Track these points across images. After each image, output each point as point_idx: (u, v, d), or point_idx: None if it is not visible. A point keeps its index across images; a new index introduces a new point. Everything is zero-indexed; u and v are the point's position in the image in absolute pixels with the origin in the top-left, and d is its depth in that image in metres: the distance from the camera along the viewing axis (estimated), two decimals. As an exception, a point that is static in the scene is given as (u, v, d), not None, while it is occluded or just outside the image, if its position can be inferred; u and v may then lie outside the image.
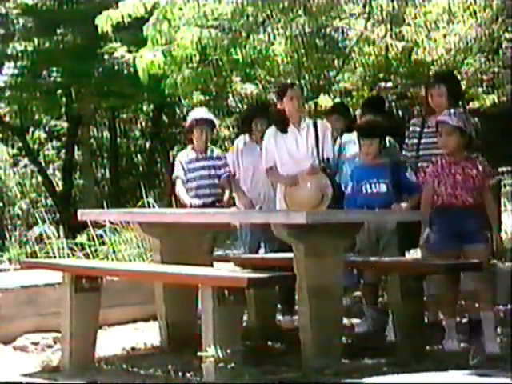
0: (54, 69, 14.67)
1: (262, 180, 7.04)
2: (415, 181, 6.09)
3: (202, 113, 7.30)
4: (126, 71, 13.55)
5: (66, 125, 17.44)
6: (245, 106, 12.70)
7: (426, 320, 6.04)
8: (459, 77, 8.19)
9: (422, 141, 6.33)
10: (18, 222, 15.70)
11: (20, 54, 14.70)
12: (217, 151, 7.40)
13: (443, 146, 5.71)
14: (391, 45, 8.63)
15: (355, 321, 6.83)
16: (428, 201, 5.74)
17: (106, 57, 13.88)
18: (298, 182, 6.50)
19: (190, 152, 7.22)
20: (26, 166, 18.25)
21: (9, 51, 14.77)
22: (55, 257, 8.86)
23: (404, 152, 6.52)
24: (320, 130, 6.66)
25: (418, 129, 6.39)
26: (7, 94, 14.98)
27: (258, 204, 7.08)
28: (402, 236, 6.15)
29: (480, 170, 5.58)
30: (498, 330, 6.15)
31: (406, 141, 6.53)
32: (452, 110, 5.75)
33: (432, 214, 5.68)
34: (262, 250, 7.14)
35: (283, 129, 6.67)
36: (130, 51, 12.53)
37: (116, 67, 13.88)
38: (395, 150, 6.69)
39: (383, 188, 6.13)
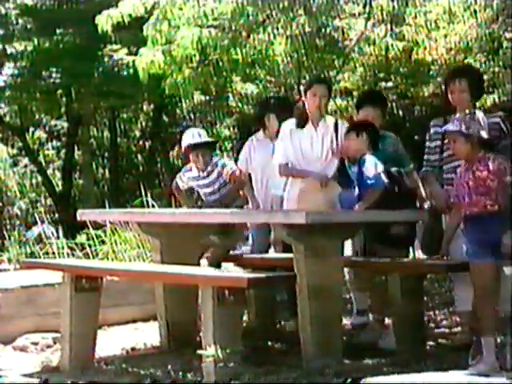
0: (54, 69, 14.67)
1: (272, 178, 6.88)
2: (374, 172, 5.80)
3: (195, 137, 7.00)
4: (125, 71, 13.56)
5: (65, 125, 17.45)
6: (245, 106, 12.71)
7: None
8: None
9: (446, 141, 5.83)
10: (18, 222, 15.70)
11: (20, 54, 14.71)
12: (216, 159, 7.09)
13: (454, 154, 5.40)
14: (391, 45, 8.61)
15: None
16: (452, 222, 5.39)
17: (106, 57, 13.90)
18: (328, 181, 6.20)
19: (194, 169, 7.01)
20: (25, 165, 18.24)
21: (9, 51, 14.78)
22: (55, 257, 8.86)
23: (426, 156, 6.09)
24: (340, 129, 6.43)
25: (439, 129, 5.90)
26: (7, 93, 14.98)
27: (267, 203, 6.88)
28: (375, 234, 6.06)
29: (492, 170, 5.05)
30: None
31: (428, 144, 6.10)
32: (457, 115, 5.44)
33: (464, 225, 5.26)
34: (271, 250, 7.04)
35: (303, 124, 6.37)
36: (130, 53, 12.55)
37: (116, 67, 13.89)
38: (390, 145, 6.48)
39: (356, 189, 5.94)
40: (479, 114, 5.28)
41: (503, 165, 5.06)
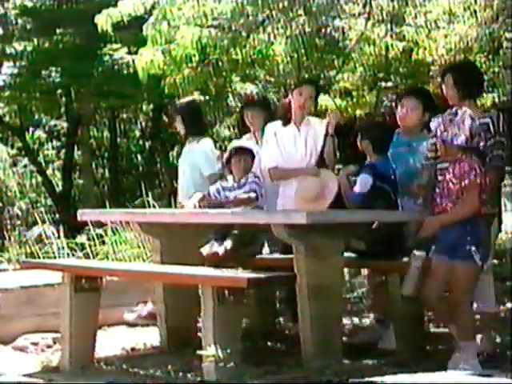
0: (54, 69, 14.67)
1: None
2: (358, 190, 5.85)
3: (240, 142, 6.71)
4: (125, 71, 13.57)
5: (65, 125, 17.45)
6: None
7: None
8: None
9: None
10: (18, 222, 15.70)
11: (20, 54, 14.71)
12: (252, 176, 6.48)
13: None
14: (391, 45, 8.61)
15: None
16: None
17: (105, 57, 13.90)
18: (318, 171, 6.25)
19: (229, 178, 6.51)
20: (25, 165, 18.25)
21: (8, 51, 14.78)
22: (55, 257, 8.86)
23: (426, 152, 5.82)
24: (321, 132, 6.42)
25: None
26: (7, 93, 14.98)
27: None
28: None
29: (455, 173, 5.11)
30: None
31: (430, 140, 5.84)
32: (441, 116, 5.35)
33: None
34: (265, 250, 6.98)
35: (286, 122, 6.40)
36: (129, 52, 12.55)
37: (116, 67, 13.89)
38: None
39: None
40: (462, 115, 5.21)
41: (465, 168, 5.07)
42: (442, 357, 5.37)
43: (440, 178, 5.29)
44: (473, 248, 5.01)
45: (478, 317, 5.75)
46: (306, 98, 6.34)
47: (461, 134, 5.13)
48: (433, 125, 5.30)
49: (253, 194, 6.27)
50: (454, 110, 5.37)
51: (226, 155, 6.57)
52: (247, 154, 6.44)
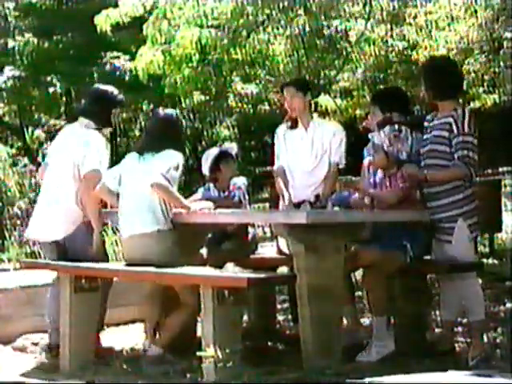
0: (54, 70, 14.68)
1: None
2: None
3: (223, 148, 6.65)
4: (125, 75, 13.58)
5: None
6: (245, 106, 12.72)
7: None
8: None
9: (425, 136, 5.63)
10: (18, 222, 15.68)
11: (20, 55, 14.72)
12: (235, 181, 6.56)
13: (373, 163, 5.72)
14: (391, 45, 8.63)
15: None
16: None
17: (107, 65, 13.92)
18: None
19: (212, 189, 6.53)
20: (25, 165, 18.22)
21: (8, 52, 14.79)
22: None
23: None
24: (328, 132, 6.41)
25: (426, 124, 5.69)
26: (6, 93, 14.99)
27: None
28: None
29: (396, 184, 5.52)
30: (499, 329, 6.15)
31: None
32: (386, 128, 5.53)
33: None
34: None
35: (292, 125, 6.39)
36: (128, 53, 12.55)
37: (117, 73, 13.91)
38: None
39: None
40: (404, 132, 5.51)
41: (406, 184, 5.49)
42: (441, 357, 5.38)
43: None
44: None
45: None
46: (289, 98, 6.34)
47: (404, 148, 5.51)
48: (376, 139, 5.57)
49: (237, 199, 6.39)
50: (396, 126, 5.55)
51: (207, 163, 6.50)
52: (231, 157, 6.50)
